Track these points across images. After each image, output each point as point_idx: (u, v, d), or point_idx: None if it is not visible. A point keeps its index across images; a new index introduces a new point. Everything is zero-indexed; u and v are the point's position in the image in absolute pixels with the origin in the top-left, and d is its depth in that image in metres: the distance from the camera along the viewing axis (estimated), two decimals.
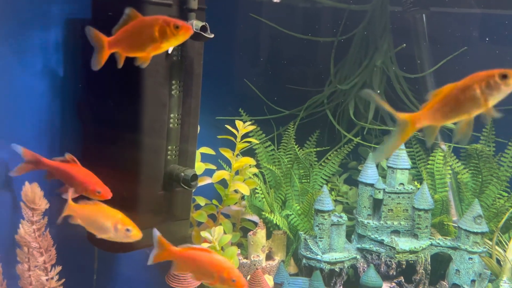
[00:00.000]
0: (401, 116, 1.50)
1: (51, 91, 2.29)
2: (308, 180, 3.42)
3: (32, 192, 1.81)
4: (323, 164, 3.57)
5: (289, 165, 3.40)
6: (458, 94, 1.36)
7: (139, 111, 1.89)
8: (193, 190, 2.13)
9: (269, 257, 3.22)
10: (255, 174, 3.27)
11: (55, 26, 2.30)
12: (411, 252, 3.04)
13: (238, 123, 2.83)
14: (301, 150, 3.53)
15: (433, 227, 3.39)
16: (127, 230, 1.77)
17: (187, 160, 2.15)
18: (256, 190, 3.28)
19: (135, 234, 1.79)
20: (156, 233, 1.80)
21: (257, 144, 3.44)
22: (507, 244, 3.09)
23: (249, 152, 3.42)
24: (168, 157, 2.08)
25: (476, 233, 3.02)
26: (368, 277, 2.83)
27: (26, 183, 1.90)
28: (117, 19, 1.61)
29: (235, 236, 3.13)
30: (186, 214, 2.21)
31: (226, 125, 2.86)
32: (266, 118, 3.51)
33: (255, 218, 3.12)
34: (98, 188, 1.80)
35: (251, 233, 3.05)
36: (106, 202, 1.86)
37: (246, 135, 3.02)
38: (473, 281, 2.99)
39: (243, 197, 3.24)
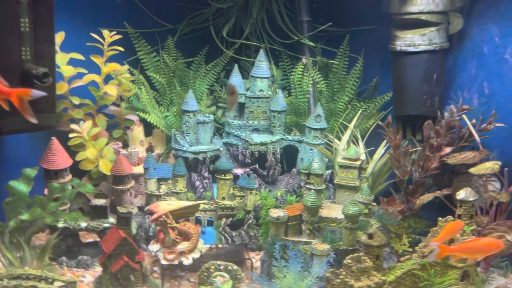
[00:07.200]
0: None
1: None
2: (187, 87, 3.97)
3: None
4: (203, 74, 4.09)
5: (171, 74, 3.94)
6: None
7: None
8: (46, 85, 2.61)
9: (151, 150, 3.84)
10: (140, 82, 3.79)
11: None
12: (262, 144, 3.70)
13: (105, 32, 3.32)
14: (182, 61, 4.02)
15: (295, 127, 4.05)
16: None
17: (44, 61, 2.66)
18: (141, 94, 3.82)
19: None
20: None
21: (142, 54, 3.93)
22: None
23: (135, 62, 3.92)
24: (23, 57, 2.59)
25: (316, 129, 3.69)
26: (220, 163, 3.49)
27: None
28: None
29: (117, 132, 3.73)
30: (50, 108, 2.75)
31: (91, 33, 3.33)
32: (151, 31, 3.96)
33: (133, 117, 3.71)
34: None
35: (129, 129, 3.65)
36: None
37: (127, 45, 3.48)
38: None
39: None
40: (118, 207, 2.79)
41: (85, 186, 2.75)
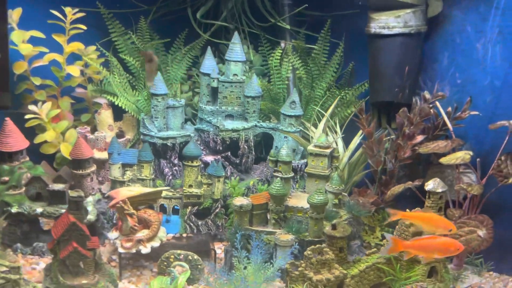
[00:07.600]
0: None
1: None
2: (161, 70, 3.83)
3: None
4: (179, 58, 3.94)
5: (143, 57, 3.80)
6: None
7: None
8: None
9: (121, 136, 3.72)
10: (113, 65, 3.65)
11: None
12: (234, 130, 3.56)
13: (67, 9, 3.18)
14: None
15: (273, 114, 3.90)
16: None
17: None
18: (114, 78, 3.68)
19: None
20: None
21: (116, 36, 3.79)
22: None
23: (108, 43, 3.79)
24: None
25: (290, 116, 3.54)
26: (188, 149, 3.36)
27: None
28: None
29: (85, 116, 3.62)
30: (3, 86, 2.64)
31: (51, 10, 3.19)
32: (125, 11, 3.80)
33: (102, 100, 3.58)
34: None
35: (97, 113, 3.53)
36: None
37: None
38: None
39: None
40: (69, 191, 2.67)
41: (36, 168, 2.64)
